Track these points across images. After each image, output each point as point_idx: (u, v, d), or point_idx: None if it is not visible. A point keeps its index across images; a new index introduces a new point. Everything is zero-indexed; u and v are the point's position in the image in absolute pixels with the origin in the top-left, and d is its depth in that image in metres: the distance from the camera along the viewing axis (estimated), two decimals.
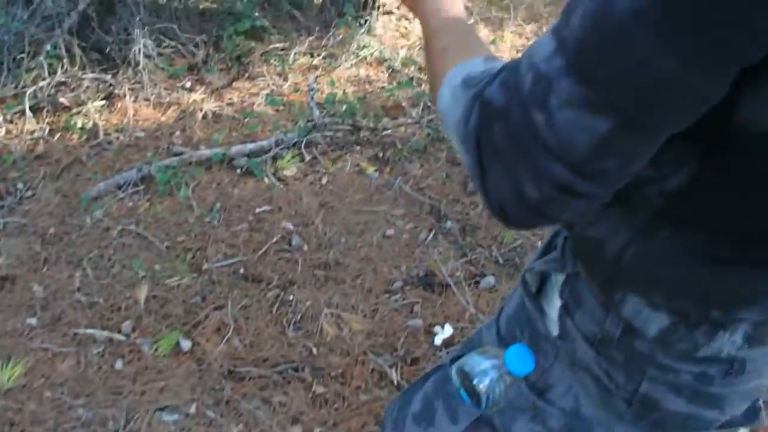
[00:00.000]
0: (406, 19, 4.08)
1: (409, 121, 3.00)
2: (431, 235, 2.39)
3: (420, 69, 3.57)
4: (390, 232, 2.40)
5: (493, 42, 3.82)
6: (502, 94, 0.55)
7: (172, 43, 3.65)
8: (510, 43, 3.87)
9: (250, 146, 2.83)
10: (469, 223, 2.44)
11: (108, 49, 3.51)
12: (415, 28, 3.98)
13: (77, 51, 3.39)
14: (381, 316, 2.05)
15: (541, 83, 0.51)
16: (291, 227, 2.43)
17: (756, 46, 0.45)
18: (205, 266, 2.24)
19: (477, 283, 2.17)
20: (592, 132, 0.50)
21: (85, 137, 2.99)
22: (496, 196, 0.57)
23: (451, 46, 0.71)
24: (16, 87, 3.22)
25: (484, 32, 3.97)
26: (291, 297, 2.11)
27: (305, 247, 2.34)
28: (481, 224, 2.43)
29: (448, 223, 2.44)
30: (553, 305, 0.80)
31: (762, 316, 0.65)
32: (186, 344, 1.96)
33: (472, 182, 0.61)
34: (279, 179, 2.69)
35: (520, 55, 0.57)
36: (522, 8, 4.32)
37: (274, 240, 2.36)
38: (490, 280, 2.16)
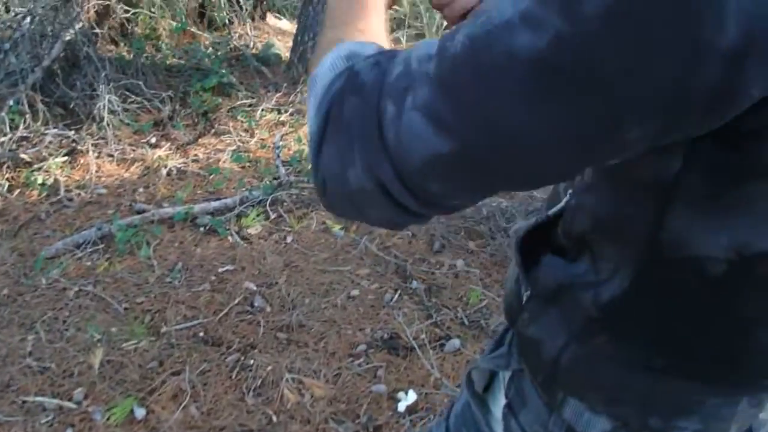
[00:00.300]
0: None
1: None
2: (396, 296, 2.36)
3: None
4: (355, 292, 2.37)
5: None
6: (370, 72, 0.53)
7: (138, 99, 3.64)
8: None
9: (214, 204, 2.80)
10: (434, 283, 2.43)
11: (72, 105, 3.48)
12: None
13: (41, 106, 3.37)
14: (344, 382, 2.00)
15: (405, 78, 0.50)
16: (254, 288, 2.39)
17: (617, 149, 0.45)
18: (164, 329, 2.18)
19: (442, 346, 2.14)
20: (429, 147, 0.48)
21: (45, 194, 2.93)
22: (324, 169, 0.55)
23: (360, 27, 0.67)
24: None
25: None
26: (251, 361, 2.05)
27: (268, 309, 2.29)
28: (446, 284, 2.42)
29: (414, 283, 2.42)
30: (499, 404, 0.78)
31: (701, 425, 0.64)
32: (140, 412, 1.89)
33: (309, 149, 0.57)
34: (243, 238, 2.65)
35: None
36: None
37: (236, 301, 2.31)
38: (455, 342, 2.14)
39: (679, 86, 0.40)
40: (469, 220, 2.73)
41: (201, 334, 2.17)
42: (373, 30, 0.65)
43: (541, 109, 0.43)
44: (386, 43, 0.65)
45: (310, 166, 0.58)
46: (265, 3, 4.50)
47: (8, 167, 3.08)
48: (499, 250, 2.56)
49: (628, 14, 0.39)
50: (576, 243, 0.64)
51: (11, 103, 3.33)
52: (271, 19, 4.61)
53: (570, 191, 0.65)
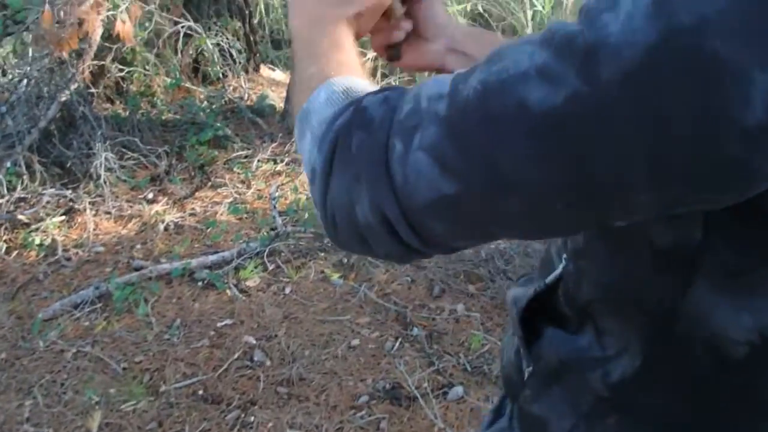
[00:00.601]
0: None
1: None
2: (397, 344, 2.34)
3: None
4: (355, 342, 2.34)
5: None
6: (379, 107, 0.53)
7: (135, 155, 3.66)
8: None
9: (212, 258, 2.79)
10: (435, 329, 2.40)
11: (69, 164, 3.51)
12: None
13: (38, 167, 3.39)
14: None
15: (414, 117, 0.50)
16: (253, 341, 2.37)
17: (626, 211, 0.44)
18: (163, 388, 2.15)
19: (445, 394, 2.10)
20: (435, 188, 0.48)
21: (42, 254, 2.93)
22: (332, 204, 0.54)
23: (341, 59, 0.67)
24: None
25: None
26: (252, 418, 2.02)
27: (268, 363, 2.27)
28: (448, 330, 2.39)
29: (414, 330, 2.39)
30: None
31: None
32: None
33: (310, 186, 0.56)
34: (241, 291, 2.64)
35: None
36: None
37: (236, 356, 2.29)
38: (458, 390, 2.11)
39: (697, 159, 0.39)
40: (468, 263, 2.72)
41: (200, 392, 2.14)
42: (351, 62, 0.65)
43: (548, 162, 0.43)
44: (364, 75, 0.65)
45: (314, 207, 0.59)
46: (258, 55, 4.56)
47: (6, 229, 3.09)
48: (499, 293, 2.55)
49: (649, 84, 0.38)
50: (578, 313, 0.62)
51: (8, 165, 3.36)
52: (264, 70, 4.67)
53: (564, 255, 0.63)
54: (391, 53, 0.82)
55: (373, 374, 2.20)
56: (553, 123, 0.42)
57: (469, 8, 4.75)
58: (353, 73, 0.63)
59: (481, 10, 4.85)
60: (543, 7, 4.95)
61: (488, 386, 2.13)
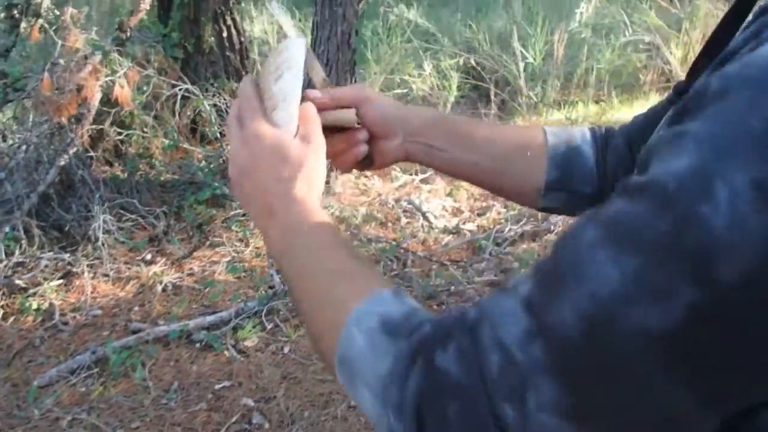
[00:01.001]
0: (366, 177, 4.20)
1: None
2: None
3: (381, 225, 3.63)
4: (355, 402, 2.31)
5: (450, 194, 3.92)
6: (460, 367, 0.47)
7: (133, 216, 3.68)
8: (466, 192, 3.97)
9: (210, 318, 2.78)
10: None
11: (67, 227, 3.52)
12: (374, 185, 4.09)
13: (36, 231, 3.40)
14: None
15: (514, 373, 0.44)
16: (252, 403, 2.33)
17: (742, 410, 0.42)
18: None
19: None
20: None
21: (39, 319, 2.92)
22: None
23: (333, 267, 0.62)
24: None
25: (441, 184, 4.07)
26: None
27: (266, 425, 2.23)
28: None
29: None
30: None
31: None
32: None
33: None
34: (239, 351, 2.62)
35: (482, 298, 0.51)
36: None
37: (233, 420, 2.25)
38: None
39: None
40: None
41: None
42: (364, 269, 0.62)
43: (687, 380, 0.40)
44: (366, 265, 0.62)
45: None
46: None
47: (3, 294, 3.08)
48: None
49: None
50: None
51: (7, 230, 3.37)
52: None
53: None
54: (363, 165, 0.83)
55: None
56: (682, 341, 0.38)
57: (461, 62, 4.84)
58: (367, 281, 0.60)
59: (474, 64, 4.94)
60: (534, 59, 5.05)
61: None
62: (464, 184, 4.06)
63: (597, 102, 5.19)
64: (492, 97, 4.80)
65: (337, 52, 3.38)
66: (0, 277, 3.15)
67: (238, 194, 0.71)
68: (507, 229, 3.42)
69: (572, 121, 4.66)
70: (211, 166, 4.03)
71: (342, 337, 0.55)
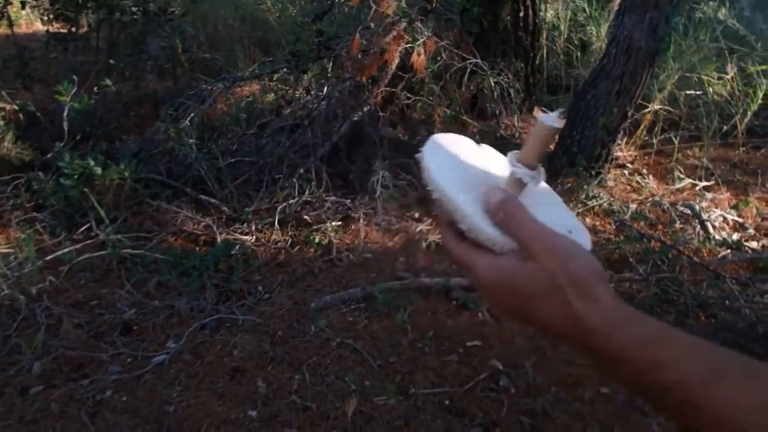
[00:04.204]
0: (639, 174, 4.03)
1: (636, 277, 2.89)
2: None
3: (651, 226, 3.47)
4: (605, 390, 2.27)
5: (735, 207, 3.61)
6: None
7: (408, 177, 3.93)
8: (756, 209, 3.63)
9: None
10: None
11: (350, 177, 3.87)
12: (648, 184, 3.91)
13: (324, 176, 3.79)
14: None
15: None
16: (500, 366, 2.40)
17: None
18: (412, 391, 2.27)
19: None
20: None
21: (319, 252, 3.26)
22: None
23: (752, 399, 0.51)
24: (269, 202, 3.65)
25: (725, 195, 3.78)
26: None
27: (512, 390, 2.29)
28: None
29: None
30: None
31: None
32: None
33: None
34: (493, 316, 2.69)
35: None
36: None
37: (482, 377, 2.34)
38: None
39: None
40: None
41: (446, 402, 2.22)
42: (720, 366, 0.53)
43: None
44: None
45: None
46: (534, 97, 4.65)
47: (292, 226, 3.49)
48: None
49: None
50: None
51: (302, 171, 3.80)
52: (538, 113, 4.75)
53: None
54: None
55: (622, 427, 2.11)
56: None
57: None
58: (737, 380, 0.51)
59: None
60: None
61: None
62: (753, 199, 3.71)
63: None
64: None
65: (641, 40, 3.25)
66: (291, 211, 3.58)
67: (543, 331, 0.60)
68: None
69: None
70: (485, 141, 4.13)
71: None
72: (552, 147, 4.14)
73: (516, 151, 0.66)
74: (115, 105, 4.76)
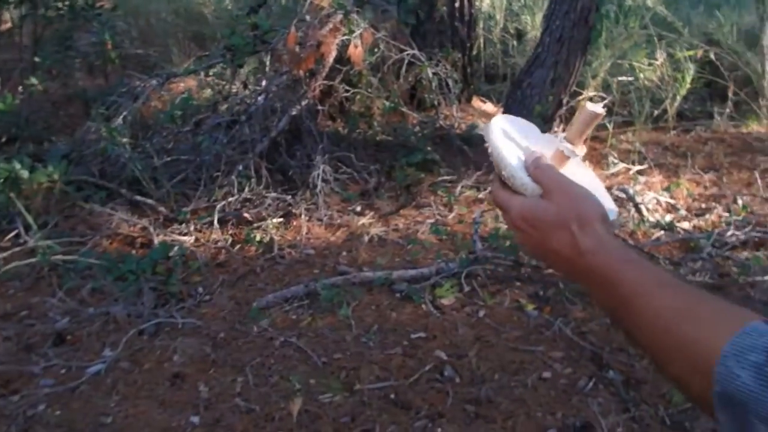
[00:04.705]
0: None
1: None
2: (591, 384, 2.26)
3: None
4: (546, 374, 2.30)
5: (667, 189, 3.72)
6: None
7: (348, 170, 3.91)
8: (687, 190, 3.74)
9: (411, 272, 2.89)
10: (633, 375, 2.29)
11: (291, 172, 3.83)
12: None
13: (264, 172, 3.73)
14: None
15: None
16: (444, 357, 2.41)
17: None
18: (357, 386, 2.26)
19: None
20: None
21: (261, 250, 3.21)
22: None
23: (687, 308, 0.62)
24: (208, 201, 3.58)
25: (658, 178, 3.89)
26: (439, 430, 2.06)
27: (457, 380, 2.30)
28: (647, 379, 2.27)
29: (611, 373, 2.30)
30: None
31: None
32: None
33: None
34: (436, 307, 2.70)
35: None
36: (699, 156, 4.20)
37: (427, 368, 2.34)
38: None
39: None
40: None
41: (392, 395, 2.22)
42: (712, 300, 0.63)
43: None
44: (730, 304, 0.62)
45: None
46: (472, 87, 4.69)
47: (232, 224, 3.43)
48: None
49: None
50: None
51: (240, 168, 3.74)
52: (476, 102, 4.79)
53: None
54: None
55: (563, 409, 2.14)
56: None
57: (699, 55, 4.52)
58: (713, 308, 0.62)
59: (713, 58, 4.59)
60: None
61: None
62: (684, 180, 3.83)
63: None
64: (729, 95, 4.43)
65: (573, 29, 3.30)
66: (231, 209, 3.52)
67: (550, 267, 0.77)
68: (729, 233, 3.18)
69: None
70: (425, 132, 4.16)
71: (719, 375, 0.55)
72: None
73: (563, 133, 0.83)
74: (43, 105, 4.59)
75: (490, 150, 0.79)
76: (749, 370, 0.53)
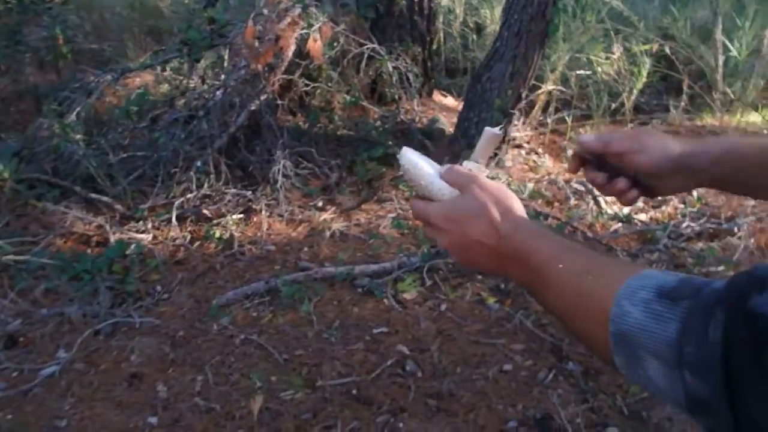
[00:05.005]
0: (536, 153, 4.14)
1: None
2: (551, 375, 2.28)
3: (548, 203, 3.57)
4: (507, 367, 2.32)
5: None
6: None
7: (309, 165, 3.88)
8: None
9: (373, 267, 2.88)
10: (592, 366, 2.32)
11: (250, 168, 3.78)
12: (544, 162, 4.02)
13: (223, 168, 3.68)
14: None
15: None
16: (406, 351, 2.41)
17: None
18: (319, 383, 2.25)
19: None
20: None
21: (221, 247, 3.17)
22: (761, 421, 0.47)
23: (588, 266, 0.66)
24: (166, 197, 3.51)
25: None
26: (401, 425, 2.06)
27: (419, 374, 2.30)
28: (605, 369, 2.30)
29: (570, 364, 2.33)
30: None
31: None
32: None
33: (696, 417, 0.52)
34: (398, 302, 2.70)
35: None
36: None
37: (389, 363, 2.34)
38: (612, 431, 2.02)
39: None
40: None
41: (354, 391, 2.21)
42: (611, 259, 0.70)
43: None
44: (628, 261, 0.65)
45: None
46: (432, 81, 4.69)
47: (191, 221, 3.38)
48: None
49: None
50: None
51: (199, 164, 3.68)
52: (437, 96, 4.79)
53: None
54: (647, 195, 0.96)
55: (524, 401, 2.16)
56: None
57: (655, 49, 4.59)
58: (612, 264, 0.67)
59: (668, 52, 4.67)
60: (739, 54, 4.68)
61: None
62: None
63: None
64: (684, 89, 4.52)
65: (531, 23, 3.32)
66: (190, 206, 3.46)
67: (474, 266, 0.80)
68: (684, 225, 3.24)
69: None
70: (386, 126, 4.14)
71: (613, 315, 0.57)
72: (451, 130, 4.20)
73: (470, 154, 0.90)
74: None
75: (406, 168, 0.85)
76: (639, 306, 0.55)
